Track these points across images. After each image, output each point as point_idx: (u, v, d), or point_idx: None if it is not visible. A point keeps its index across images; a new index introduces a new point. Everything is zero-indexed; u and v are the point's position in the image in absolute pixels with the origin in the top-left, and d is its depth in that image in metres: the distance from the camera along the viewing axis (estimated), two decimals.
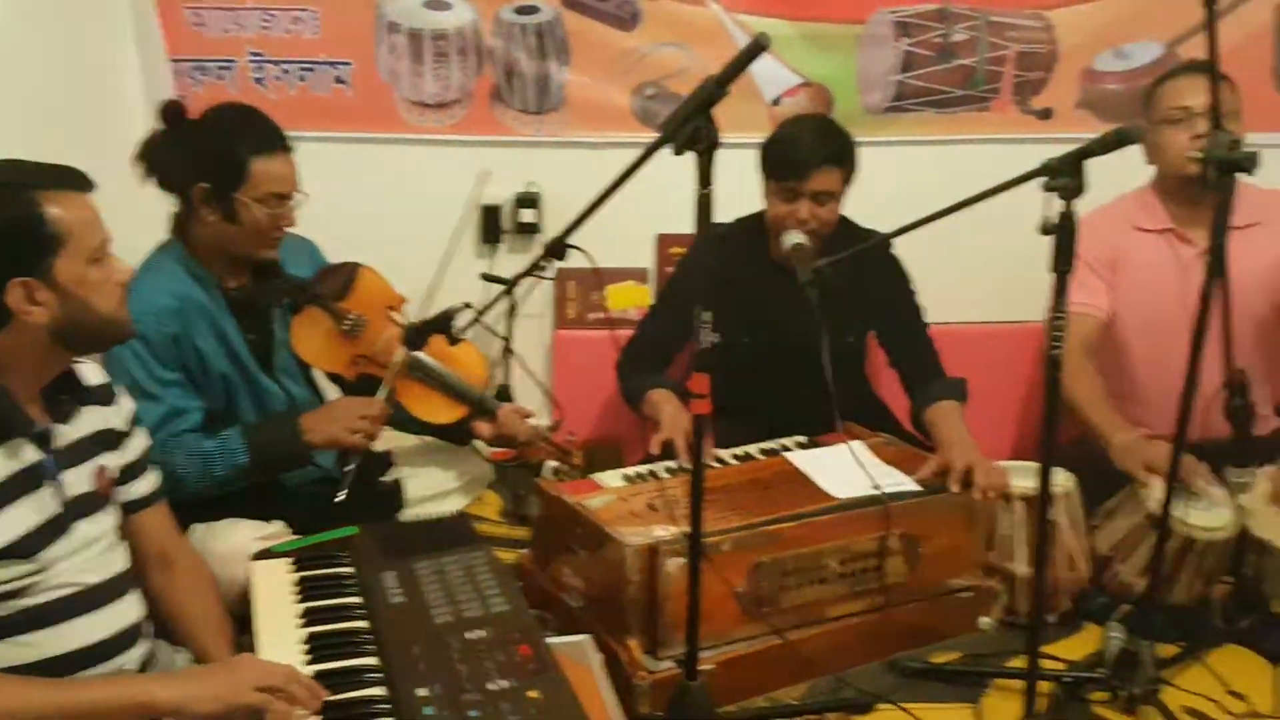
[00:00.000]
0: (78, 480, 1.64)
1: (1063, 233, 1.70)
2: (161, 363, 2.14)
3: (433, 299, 3.09)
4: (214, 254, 2.23)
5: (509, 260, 3.26)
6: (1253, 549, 2.30)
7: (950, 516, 2.26)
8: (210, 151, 2.15)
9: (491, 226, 3.23)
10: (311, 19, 3.07)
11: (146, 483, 1.83)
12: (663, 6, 3.13)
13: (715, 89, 1.52)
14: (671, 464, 2.37)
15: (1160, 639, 2.13)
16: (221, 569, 1.99)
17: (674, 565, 1.96)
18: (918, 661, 2.19)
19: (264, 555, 2.00)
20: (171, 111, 2.17)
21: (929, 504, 2.23)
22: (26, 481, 1.56)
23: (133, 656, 1.69)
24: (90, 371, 1.74)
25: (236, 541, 2.08)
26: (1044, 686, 2.04)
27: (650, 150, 1.64)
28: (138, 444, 1.82)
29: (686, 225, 1.61)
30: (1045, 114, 3.25)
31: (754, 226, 2.64)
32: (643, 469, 2.37)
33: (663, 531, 2.01)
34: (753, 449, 2.51)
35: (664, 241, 3.30)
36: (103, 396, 1.74)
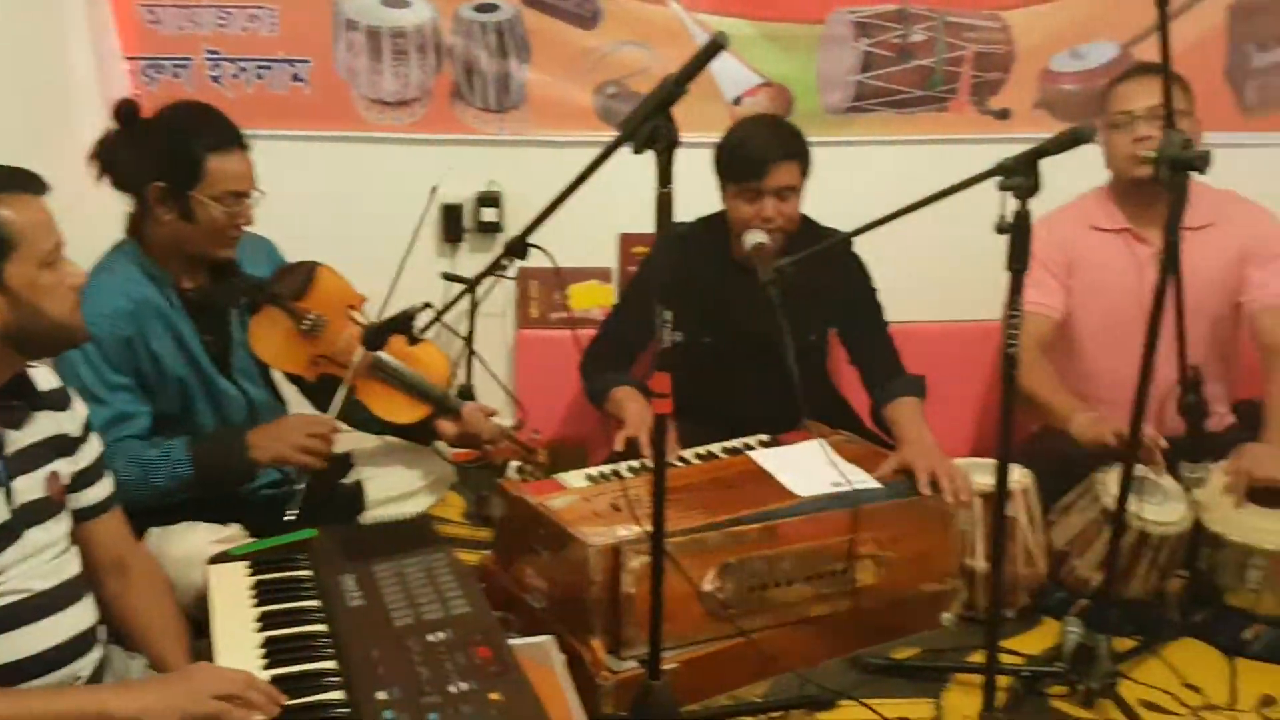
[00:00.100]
0: (29, 486, 1.61)
1: (1017, 232, 1.72)
2: (112, 366, 2.11)
3: (393, 298, 3.06)
4: (170, 254, 2.20)
5: (470, 259, 3.24)
6: (1207, 543, 2.33)
7: (921, 523, 2.27)
8: (166, 150, 2.12)
9: (453, 225, 3.21)
10: (269, 16, 3.04)
11: (101, 489, 1.80)
12: (623, 5, 3.12)
13: (674, 88, 1.52)
14: (635, 463, 2.37)
15: (1117, 633, 2.16)
16: (178, 573, 1.96)
17: (637, 565, 1.96)
18: (879, 658, 2.20)
19: (221, 559, 1.98)
20: (126, 110, 2.14)
21: (900, 508, 2.25)
22: None
23: (86, 663, 1.66)
24: (43, 376, 1.70)
25: (193, 545, 2.06)
26: (1003, 681, 2.07)
27: (609, 149, 1.64)
28: (91, 450, 1.78)
29: (650, 225, 1.61)
30: (1003, 114, 3.28)
31: (716, 226, 2.64)
32: (606, 469, 2.37)
33: (626, 531, 2.01)
34: (716, 448, 2.51)
35: (627, 241, 3.30)
36: (56, 402, 1.71)
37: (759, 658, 2.09)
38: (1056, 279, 2.69)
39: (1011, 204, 1.72)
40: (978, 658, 2.14)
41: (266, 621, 1.76)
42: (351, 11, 3.07)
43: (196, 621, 1.86)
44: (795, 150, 2.48)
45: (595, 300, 3.29)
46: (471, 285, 2.18)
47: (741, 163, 2.48)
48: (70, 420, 1.73)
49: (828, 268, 2.51)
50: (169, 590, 1.88)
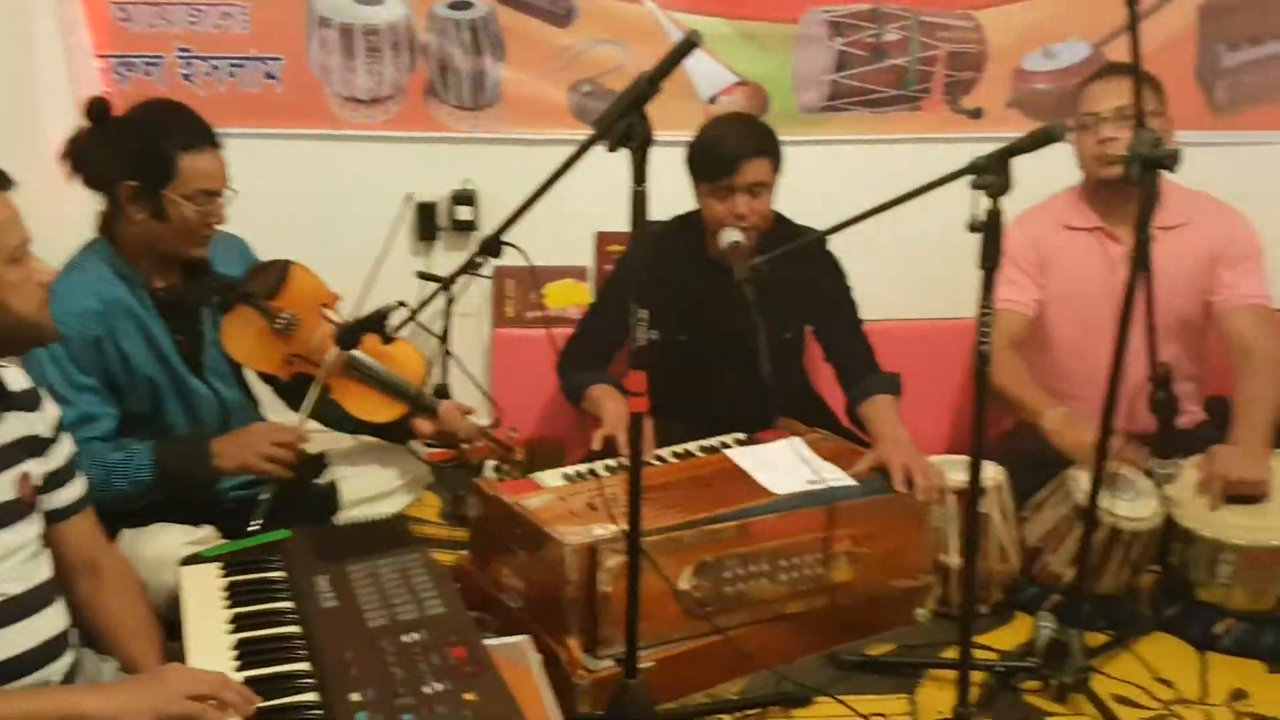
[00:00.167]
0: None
1: (989, 230, 1.73)
2: (79, 367, 2.09)
3: (368, 297, 3.05)
4: (142, 253, 2.19)
5: (445, 258, 3.23)
6: (1178, 538, 2.35)
7: (896, 519, 2.28)
8: (137, 148, 2.10)
9: (427, 223, 3.20)
10: (240, 14, 3.02)
11: (73, 490, 1.77)
12: (598, 3, 3.12)
13: (648, 86, 1.52)
14: (611, 462, 2.37)
15: (1089, 628, 2.18)
16: (150, 575, 1.95)
17: (613, 564, 1.96)
18: (855, 654, 2.21)
19: (193, 560, 1.96)
20: (97, 108, 2.12)
21: (875, 505, 2.26)
22: None
23: (58, 667, 1.64)
24: (13, 376, 1.68)
25: (165, 546, 2.04)
26: (977, 676, 2.08)
27: (583, 147, 1.64)
28: (63, 450, 1.76)
29: (625, 223, 1.61)
30: (976, 113, 3.30)
31: (691, 224, 2.65)
32: (582, 468, 2.37)
33: (602, 530, 2.01)
34: (692, 446, 2.52)
35: (603, 239, 3.30)
36: (27, 402, 1.69)
37: (735, 655, 2.10)
38: (1029, 277, 2.71)
39: (984, 202, 1.73)
40: (952, 653, 2.16)
41: (239, 623, 1.75)
42: (324, 9, 3.06)
43: (169, 623, 1.84)
44: (766, 147, 2.49)
45: (571, 299, 3.29)
46: (446, 284, 2.17)
47: (713, 160, 2.49)
48: (41, 421, 1.71)
49: (803, 266, 2.52)
50: (141, 592, 1.85)
